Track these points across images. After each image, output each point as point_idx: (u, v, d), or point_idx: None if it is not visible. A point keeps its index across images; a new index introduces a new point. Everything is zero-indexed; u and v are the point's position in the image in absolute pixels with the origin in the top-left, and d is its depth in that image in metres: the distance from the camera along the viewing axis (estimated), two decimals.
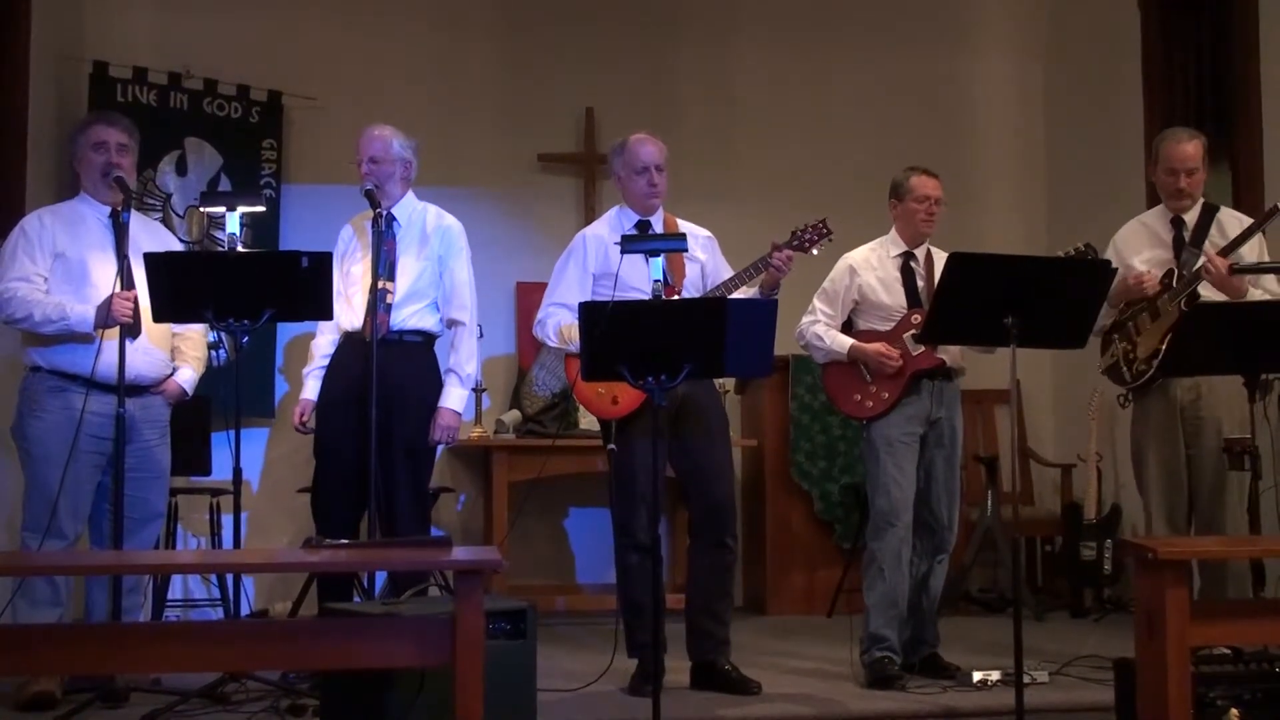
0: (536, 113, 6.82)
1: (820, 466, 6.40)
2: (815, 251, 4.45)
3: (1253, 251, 4.63)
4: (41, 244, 4.35)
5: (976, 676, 4.39)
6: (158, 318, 4.20)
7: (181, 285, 4.08)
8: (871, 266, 4.71)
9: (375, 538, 4.41)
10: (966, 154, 7.02)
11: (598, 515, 6.23)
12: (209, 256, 5.27)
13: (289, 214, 6.46)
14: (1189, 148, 4.69)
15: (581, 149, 6.84)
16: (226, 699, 4.07)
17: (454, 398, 4.65)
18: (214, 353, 4.72)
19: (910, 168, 4.75)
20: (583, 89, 6.81)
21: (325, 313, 4.25)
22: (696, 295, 4.52)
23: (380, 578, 4.59)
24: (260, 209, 5.51)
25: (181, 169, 6.31)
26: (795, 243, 4.42)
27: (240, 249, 4.36)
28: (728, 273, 4.59)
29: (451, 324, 4.71)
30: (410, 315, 4.60)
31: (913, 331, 4.56)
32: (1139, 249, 4.77)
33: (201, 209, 6.23)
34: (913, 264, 4.70)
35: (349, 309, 4.63)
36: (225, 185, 6.30)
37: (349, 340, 4.63)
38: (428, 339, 4.70)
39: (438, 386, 4.65)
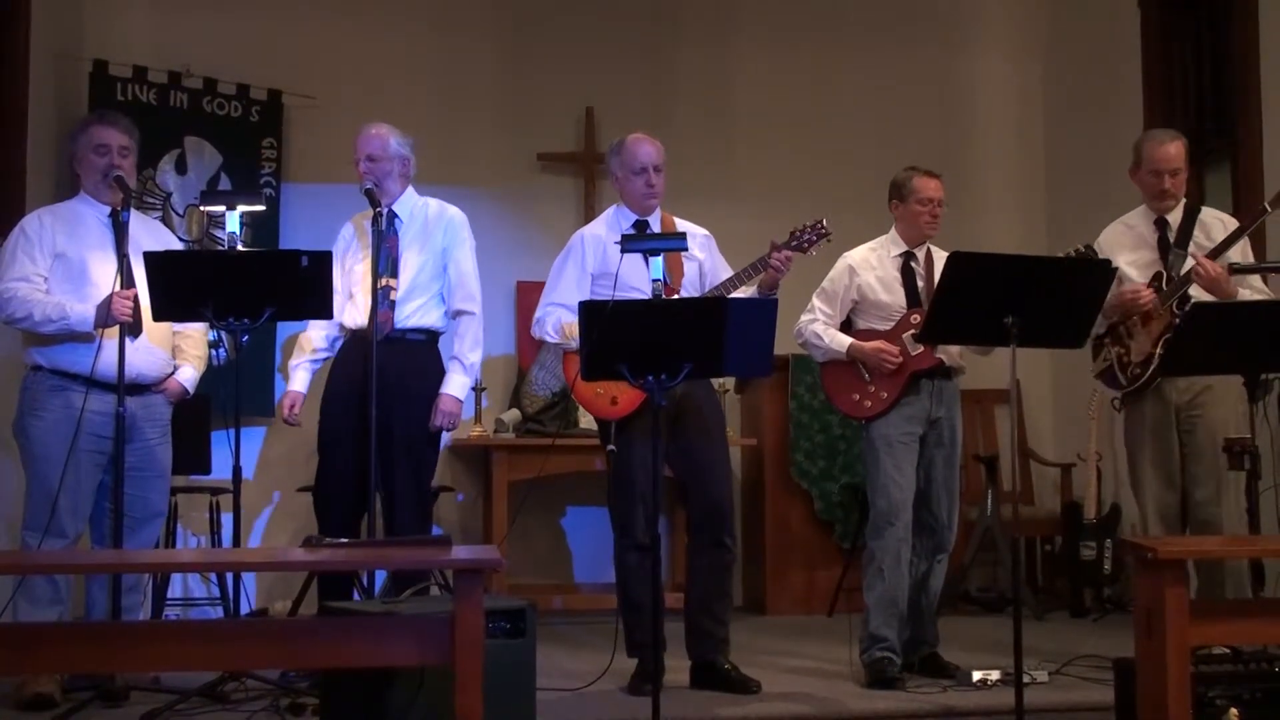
0: (536, 112, 6.83)
1: (820, 466, 6.40)
2: (813, 252, 4.45)
3: (1236, 250, 4.63)
4: (41, 244, 4.34)
5: (976, 676, 4.39)
6: (158, 317, 4.20)
7: (181, 284, 4.08)
8: (871, 266, 4.71)
9: (375, 536, 4.41)
10: (966, 154, 7.03)
11: (596, 514, 6.23)
12: (209, 255, 5.27)
13: (289, 213, 6.46)
14: (1172, 149, 4.69)
15: (581, 148, 6.84)
16: (226, 698, 4.07)
17: (456, 385, 4.65)
18: (214, 351, 4.72)
19: (911, 168, 4.74)
20: (583, 88, 6.81)
21: (325, 311, 4.25)
22: (695, 294, 4.52)
23: (380, 576, 4.59)
24: (260, 208, 5.52)
25: (181, 168, 6.31)
26: (794, 243, 4.42)
27: (240, 248, 4.36)
28: (725, 271, 4.59)
29: (458, 314, 4.71)
30: (414, 312, 4.60)
31: (912, 331, 4.56)
32: (1123, 250, 4.76)
33: (201, 208, 6.23)
34: (913, 264, 4.70)
35: (353, 307, 4.63)
36: (225, 184, 6.30)
37: (353, 338, 4.63)
38: (431, 336, 4.69)
39: (440, 384, 4.64)
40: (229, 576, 5.36)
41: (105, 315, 4.16)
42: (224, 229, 4.82)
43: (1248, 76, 5.69)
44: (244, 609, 4.71)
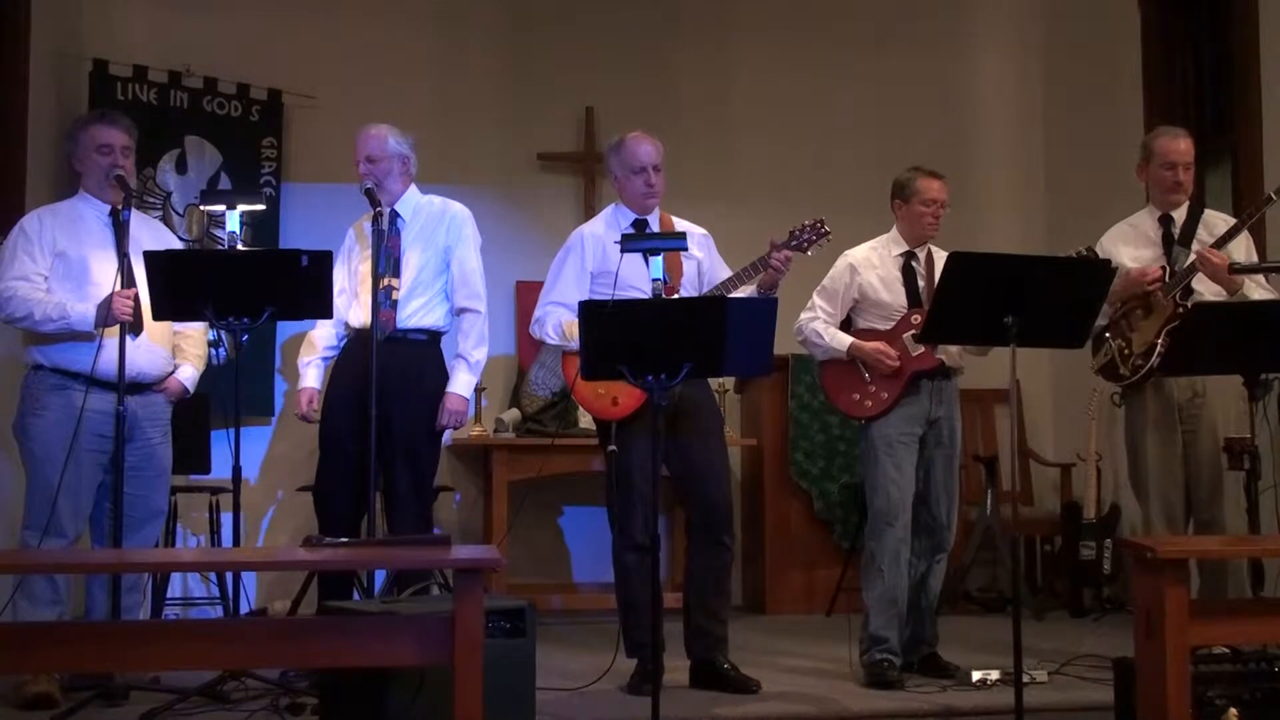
0: (537, 112, 6.83)
1: (820, 466, 6.40)
2: (811, 252, 4.45)
3: (1240, 248, 4.64)
4: (41, 243, 4.35)
5: (976, 676, 4.40)
6: (157, 316, 4.20)
7: (181, 283, 4.08)
8: (872, 265, 4.71)
9: (375, 536, 4.41)
10: (966, 154, 7.02)
11: (596, 514, 6.22)
12: (209, 255, 5.27)
13: (289, 212, 6.47)
14: (1183, 144, 4.73)
15: (582, 148, 6.84)
16: (225, 697, 4.07)
17: (461, 383, 4.65)
18: (213, 351, 4.72)
19: (915, 168, 4.73)
20: (583, 88, 6.81)
21: (325, 311, 4.26)
22: (694, 294, 4.52)
23: (380, 576, 4.59)
24: (260, 207, 5.51)
25: (181, 167, 6.31)
26: (793, 243, 4.42)
27: (240, 247, 4.36)
28: (723, 271, 4.59)
29: (462, 312, 4.70)
30: (416, 311, 4.60)
31: (912, 332, 4.55)
32: (1126, 246, 4.78)
33: (201, 207, 6.24)
34: (914, 263, 4.70)
35: (357, 307, 4.63)
36: (225, 184, 6.30)
37: (356, 338, 4.63)
38: (433, 336, 4.69)
39: (442, 384, 4.64)
40: (229, 576, 5.35)
41: (105, 314, 4.16)
42: (224, 228, 4.83)
43: (1248, 77, 5.69)
44: (244, 608, 4.72)
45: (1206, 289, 4.60)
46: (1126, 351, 4.68)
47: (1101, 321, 4.68)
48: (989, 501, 6.22)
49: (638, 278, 4.15)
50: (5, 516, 5.19)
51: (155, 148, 6.11)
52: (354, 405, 4.44)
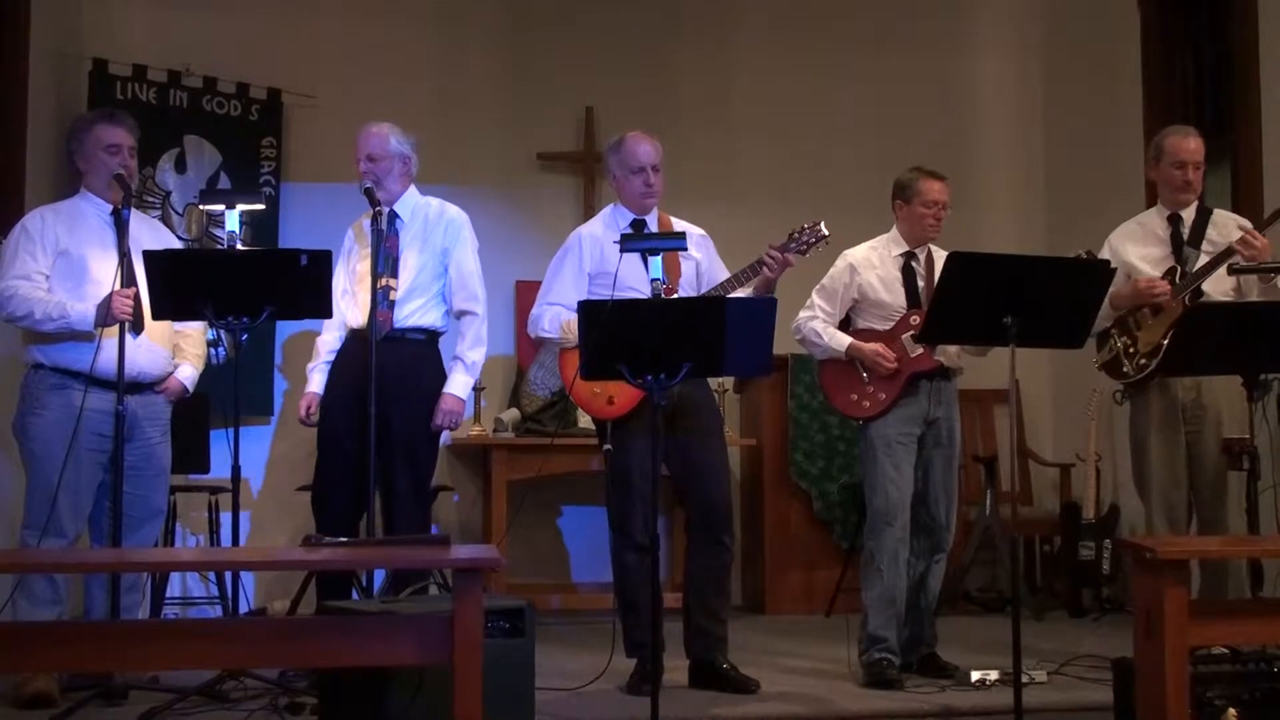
0: (536, 112, 6.82)
1: (819, 466, 6.40)
2: (809, 255, 4.44)
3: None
4: (44, 242, 4.35)
5: (975, 676, 4.40)
6: (157, 315, 4.21)
7: (181, 283, 4.09)
8: (872, 265, 4.71)
9: (374, 536, 4.41)
10: (966, 154, 7.01)
11: (595, 514, 6.22)
12: (208, 254, 5.27)
13: (288, 212, 6.46)
14: (1193, 142, 4.72)
15: (581, 148, 6.84)
16: (225, 697, 4.07)
17: (458, 384, 4.66)
18: (213, 350, 4.72)
19: (917, 169, 4.72)
20: (583, 88, 6.81)
21: (324, 311, 4.26)
22: (692, 294, 4.51)
23: (379, 576, 4.59)
24: (260, 207, 5.51)
25: (181, 167, 6.31)
26: (792, 245, 4.41)
27: (239, 247, 4.36)
28: (722, 272, 4.59)
29: (461, 314, 4.71)
30: (413, 311, 4.60)
31: (911, 332, 4.55)
32: (1134, 244, 4.77)
33: (201, 207, 6.23)
34: (914, 264, 4.69)
35: (354, 306, 4.63)
36: (225, 183, 6.30)
37: (354, 338, 4.63)
38: (431, 336, 4.70)
39: (440, 383, 4.65)
40: (228, 576, 5.35)
41: (105, 314, 4.17)
42: (223, 228, 4.82)
43: (1247, 77, 5.69)
44: (243, 608, 4.72)
45: (1216, 291, 4.59)
46: (1132, 350, 4.67)
47: (1106, 323, 4.68)
48: (988, 501, 6.22)
49: (636, 278, 4.15)
50: (5, 516, 5.19)
51: (154, 147, 6.10)
52: (352, 405, 4.44)
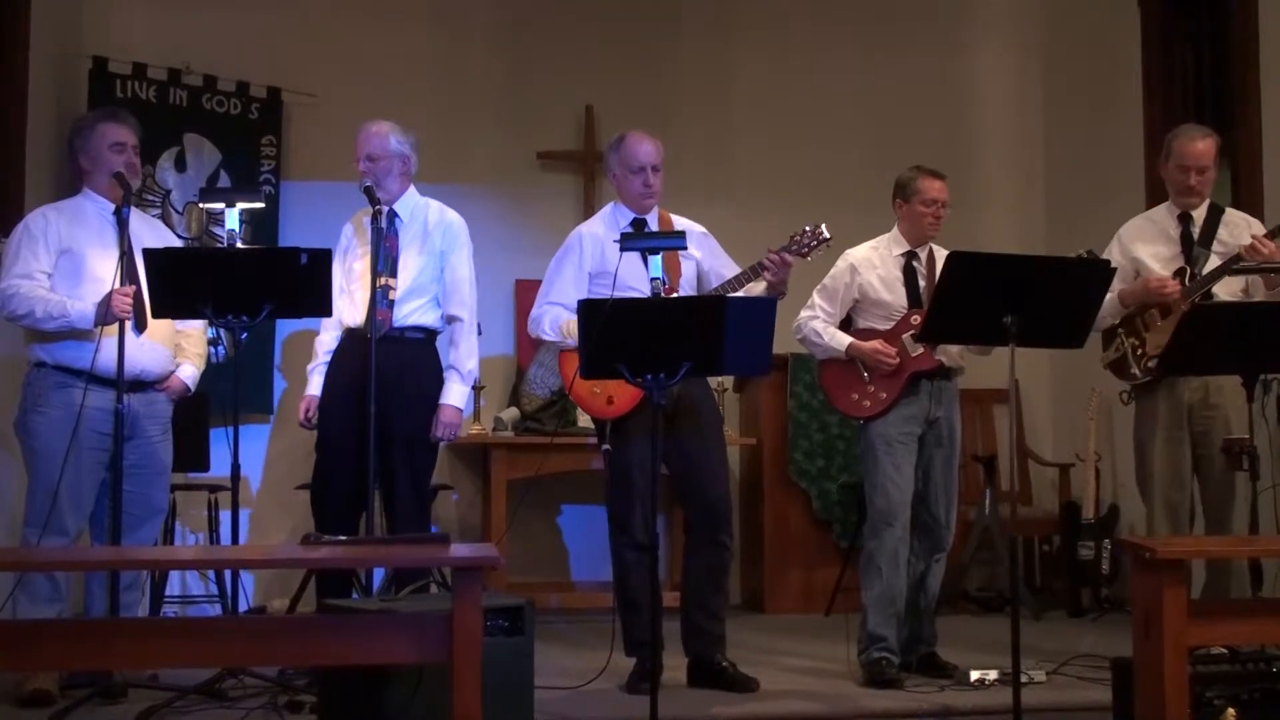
0: (536, 110, 6.82)
1: (818, 465, 6.40)
2: (810, 259, 4.44)
3: None
4: (46, 240, 4.35)
5: (974, 675, 4.40)
6: (157, 314, 4.21)
7: (181, 281, 4.08)
8: (873, 265, 4.70)
9: (373, 534, 4.41)
10: (966, 153, 7.02)
11: (595, 513, 6.23)
12: (208, 253, 5.27)
13: (288, 210, 6.46)
14: (1201, 146, 4.68)
15: (581, 147, 6.84)
16: (224, 695, 4.07)
17: (455, 394, 4.65)
18: (213, 349, 4.73)
19: (917, 168, 4.72)
20: (583, 86, 6.81)
21: (324, 309, 4.26)
22: (693, 293, 4.51)
23: (378, 574, 4.59)
24: (259, 205, 5.52)
25: (181, 165, 6.31)
26: (793, 248, 4.41)
27: (239, 245, 4.36)
28: (727, 265, 4.58)
29: (450, 320, 4.71)
30: (412, 311, 4.60)
31: (912, 332, 4.55)
32: (1144, 242, 4.75)
33: (201, 205, 6.23)
34: (915, 263, 4.69)
35: (351, 305, 4.63)
36: (224, 181, 6.30)
37: (351, 336, 4.63)
38: (429, 335, 4.70)
39: (439, 382, 4.65)
40: (227, 574, 5.36)
41: (105, 312, 4.17)
42: (223, 226, 4.83)
43: (1247, 76, 5.68)
44: (242, 606, 4.72)
45: (1225, 292, 4.58)
46: (1140, 352, 4.66)
47: (1114, 320, 4.68)
48: (988, 501, 6.22)
49: (636, 278, 4.15)
50: (7, 514, 5.19)
51: (154, 145, 6.09)
52: (350, 403, 4.44)
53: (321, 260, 4.12)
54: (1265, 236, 4.50)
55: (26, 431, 4.34)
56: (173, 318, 4.42)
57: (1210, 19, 6.12)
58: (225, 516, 5.48)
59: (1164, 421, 4.64)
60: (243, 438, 4.26)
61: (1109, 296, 4.61)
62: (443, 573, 4.25)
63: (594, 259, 4.54)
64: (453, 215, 4.76)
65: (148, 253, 4.09)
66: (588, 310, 3.72)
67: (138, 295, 4.21)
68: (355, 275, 4.65)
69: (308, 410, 4.71)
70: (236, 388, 4.27)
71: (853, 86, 7.09)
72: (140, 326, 4.29)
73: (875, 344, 4.59)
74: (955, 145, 6.95)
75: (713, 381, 5.14)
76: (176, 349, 4.57)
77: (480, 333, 4.89)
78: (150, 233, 4.56)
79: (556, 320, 4.54)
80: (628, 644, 4.44)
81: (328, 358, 4.72)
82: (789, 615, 6.25)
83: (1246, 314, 4.22)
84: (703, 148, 6.76)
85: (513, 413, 6.28)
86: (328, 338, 4.74)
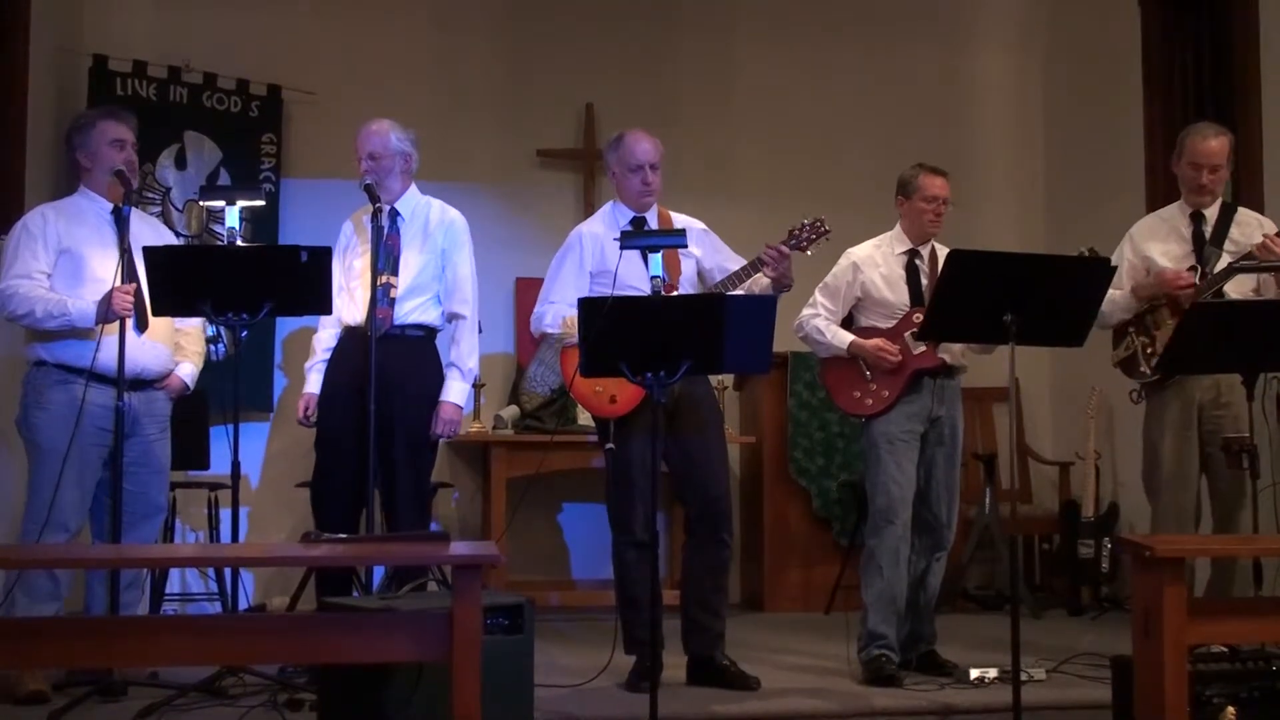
0: (536, 108, 6.82)
1: (818, 463, 6.40)
2: (810, 252, 4.44)
3: None
4: (45, 240, 4.35)
5: (974, 674, 4.40)
6: (157, 311, 4.21)
7: (180, 279, 4.08)
8: (875, 263, 4.70)
9: (373, 532, 4.41)
10: (966, 151, 7.01)
11: (595, 511, 6.23)
12: (208, 250, 5.27)
13: (288, 208, 6.46)
14: (1214, 143, 4.67)
15: (581, 145, 6.84)
16: (224, 693, 4.07)
17: (455, 391, 4.65)
18: (212, 347, 4.73)
19: (919, 165, 4.72)
20: (583, 85, 6.81)
21: (324, 307, 4.25)
22: (693, 290, 4.51)
23: (378, 572, 4.59)
24: (260, 203, 5.51)
25: (181, 163, 6.31)
26: (792, 242, 4.41)
27: (239, 243, 4.36)
28: (729, 259, 4.57)
29: (452, 318, 4.71)
30: (413, 309, 4.60)
31: (913, 330, 4.55)
32: (1155, 240, 4.74)
33: (201, 203, 6.24)
34: (918, 262, 4.69)
35: (351, 303, 4.63)
36: (225, 179, 6.30)
37: (351, 334, 4.63)
38: (429, 333, 4.69)
39: (439, 380, 4.65)
40: (227, 572, 5.36)
41: (105, 310, 4.17)
42: (223, 224, 4.83)
43: (1248, 74, 5.68)
44: (242, 604, 4.72)
45: (1236, 291, 4.57)
46: (1150, 350, 4.66)
47: (1126, 315, 4.67)
48: (988, 500, 6.22)
49: (636, 276, 4.15)
50: (7, 511, 5.19)
51: (155, 143, 6.10)
52: (351, 401, 4.44)
53: (322, 258, 4.11)
54: (1277, 235, 4.50)
55: (28, 428, 4.34)
56: (173, 316, 4.41)
57: (1210, 19, 6.12)
58: (225, 514, 5.48)
59: (1174, 420, 4.63)
60: (243, 436, 4.25)
61: (1121, 292, 4.62)
62: (442, 571, 4.25)
63: (594, 258, 4.54)
64: (454, 214, 4.75)
65: (148, 251, 4.09)
66: (588, 308, 3.72)
67: (138, 293, 4.21)
68: (355, 273, 4.65)
69: (306, 408, 4.71)
70: (236, 386, 4.27)
71: (853, 86, 7.09)
72: (141, 325, 4.30)
73: (877, 342, 4.59)
74: (955, 145, 6.95)
75: (713, 379, 5.15)
76: (175, 347, 4.56)
77: (480, 331, 4.90)
78: (150, 232, 4.56)
79: (559, 315, 4.54)
80: (627, 642, 4.44)
81: (326, 355, 4.72)
82: (789, 613, 6.25)
83: (1246, 312, 4.22)
84: (703, 147, 6.76)
85: (513, 411, 6.28)
86: (326, 335, 4.74)
